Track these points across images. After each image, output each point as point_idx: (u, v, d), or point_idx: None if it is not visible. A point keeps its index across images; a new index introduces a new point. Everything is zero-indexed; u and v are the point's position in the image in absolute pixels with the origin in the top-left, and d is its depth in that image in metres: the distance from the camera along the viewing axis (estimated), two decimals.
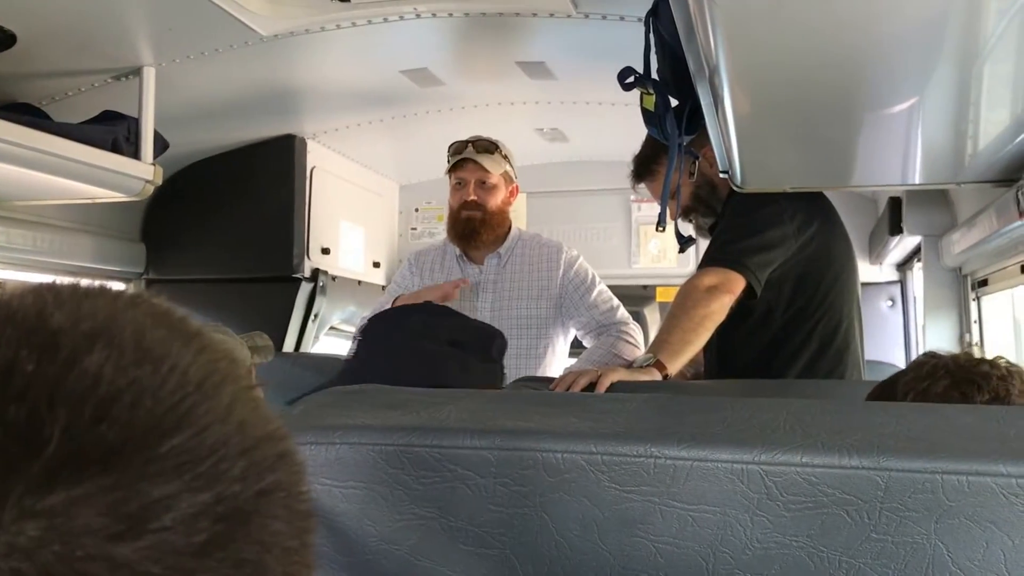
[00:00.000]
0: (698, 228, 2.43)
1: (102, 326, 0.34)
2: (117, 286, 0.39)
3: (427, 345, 1.45)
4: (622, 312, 2.55)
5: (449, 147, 2.62)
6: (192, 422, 0.33)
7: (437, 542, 0.71)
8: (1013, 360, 2.47)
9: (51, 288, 0.36)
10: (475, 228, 2.57)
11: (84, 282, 0.38)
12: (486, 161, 2.54)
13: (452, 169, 2.59)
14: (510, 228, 2.68)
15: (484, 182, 2.56)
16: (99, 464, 0.30)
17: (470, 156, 2.55)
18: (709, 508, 0.65)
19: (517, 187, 2.66)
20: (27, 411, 0.30)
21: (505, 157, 2.59)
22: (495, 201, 2.58)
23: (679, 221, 2.36)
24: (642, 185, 2.44)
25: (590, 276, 2.59)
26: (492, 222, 2.58)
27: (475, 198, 2.56)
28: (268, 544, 0.34)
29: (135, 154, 2.22)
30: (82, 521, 0.29)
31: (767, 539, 0.64)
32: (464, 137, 2.61)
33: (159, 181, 2.29)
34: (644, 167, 2.39)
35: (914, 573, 0.62)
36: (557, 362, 2.60)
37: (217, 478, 0.33)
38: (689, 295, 2.03)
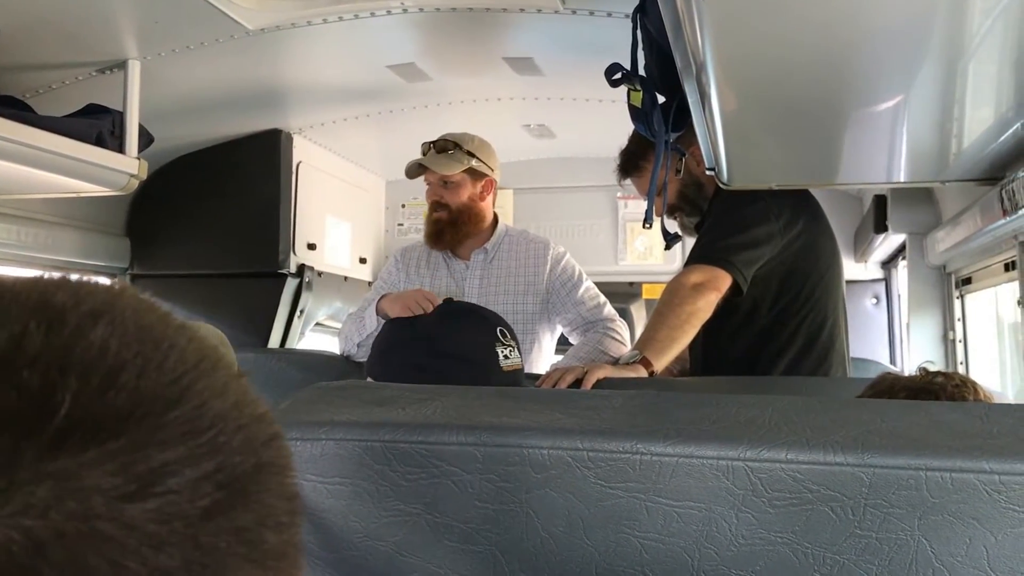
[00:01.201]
0: (683, 227, 2.43)
1: (103, 306, 0.36)
2: (104, 280, 0.40)
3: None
4: (608, 309, 2.55)
5: (421, 148, 2.63)
6: (193, 396, 0.35)
7: (423, 538, 0.71)
8: (996, 358, 2.49)
9: (46, 276, 0.38)
10: (441, 229, 2.60)
11: (73, 276, 0.39)
12: (439, 166, 2.55)
13: (415, 173, 2.61)
14: (496, 224, 2.68)
15: (446, 181, 2.58)
16: (109, 429, 0.32)
17: (424, 162, 2.56)
18: (694, 504, 0.66)
19: (492, 180, 2.65)
20: (39, 377, 0.31)
21: (470, 153, 2.58)
22: (459, 199, 2.59)
23: (665, 218, 2.37)
24: (628, 181, 2.44)
25: (577, 273, 2.59)
26: (459, 220, 2.59)
27: (438, 198, 2.59)
28: (264, 516, 0.36)
29: (120, 148, 2.21)
30: (93, 482, 0.31)
31: (752, 535, 0.65)
32: (452, 131, 2.62)
33: (144, 175, 2.27)
34: (630, 163, 2.39)
35: (898, 569, 0.62)
36: (543, 359, 2.61)
37: (218, 448, 0.35)
38: (676, 292, 2.04)
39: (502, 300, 2.55)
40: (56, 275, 0.38)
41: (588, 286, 2.58)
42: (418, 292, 2.24)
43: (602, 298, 2.57)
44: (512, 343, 1.66)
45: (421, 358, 1.62)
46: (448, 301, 1.81)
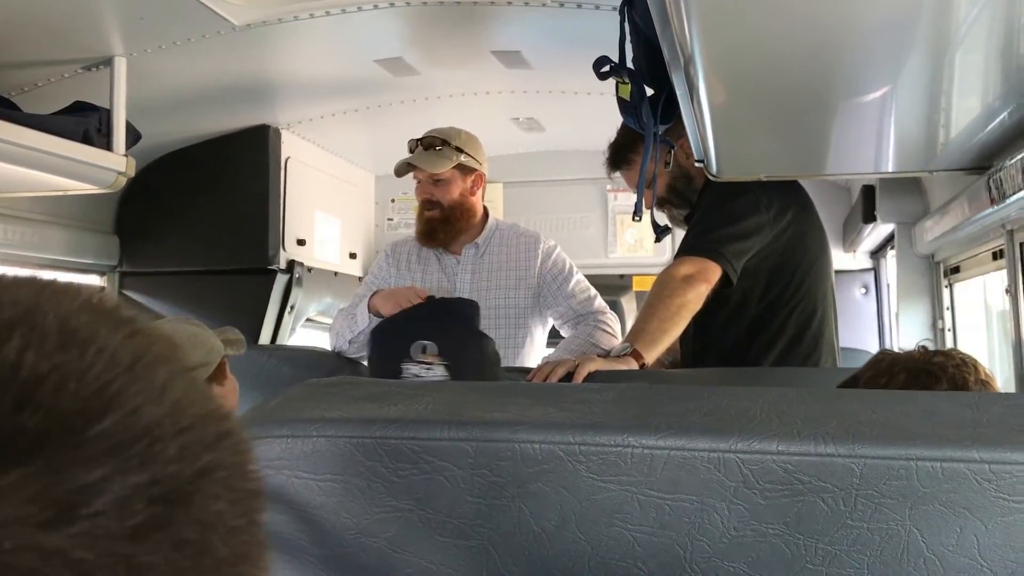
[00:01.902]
0: (673, 219, 2.43)
1: (23, 313, 0.33)
2: (48, 276, 0.38)
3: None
4: (599, 302, 2.56)
5: (408, 145, 2.61)
6: (121, 404, 0.32)
7: (415, 534, 0.71)
8: (985, 347, 2.50)
9: None
10: (435, 228, 2.59)
11: (10, 272, 0.37)
12: (429, 163, 2.54)
13: (404, 171, 2.59)
14: (486, 218, 2.67)
15: (436, 178, 2.56)
16: (23, 452, 0.29)
17: (412, 161, 2.55)
18: (686, 497, 0.66)
19: (482, 175, 2.64)
20: None
21: (459, 149, 2.57)
22: (450, 195, 2.58)
23: (655, 211, 2.37)
24: (617, 174, 2.45)
25: (567, 266, 2.60)
26: (452, 217, 2.59)
27: (428, 196, 2.57)
28: (210, 524, 0.33)
29: (107, 145, 2.20)
30: (8, 511, 0.28)
31: (744, 527, 0.65)
32: (439, 126, 2.61)
33: (132, 173, 2.26)
34: (620, 156, 2.39)
35: (889, 559, 0.63)
36: (535, 352, 2.61)
37: (151, 459, 0.32)
38: (666, 284, 2.04)
39: (493, 294, 2.55)
40: None
41: (579, 279, 2.58)
42: (409, 289, 2.24)
43: (593, 291, 2.57)
44: (439, 361, 1.55)
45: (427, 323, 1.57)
46: (431, 299, 1.77)
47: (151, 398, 0.34)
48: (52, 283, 0.37)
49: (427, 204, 2.58)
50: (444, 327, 1.59)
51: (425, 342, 1.52)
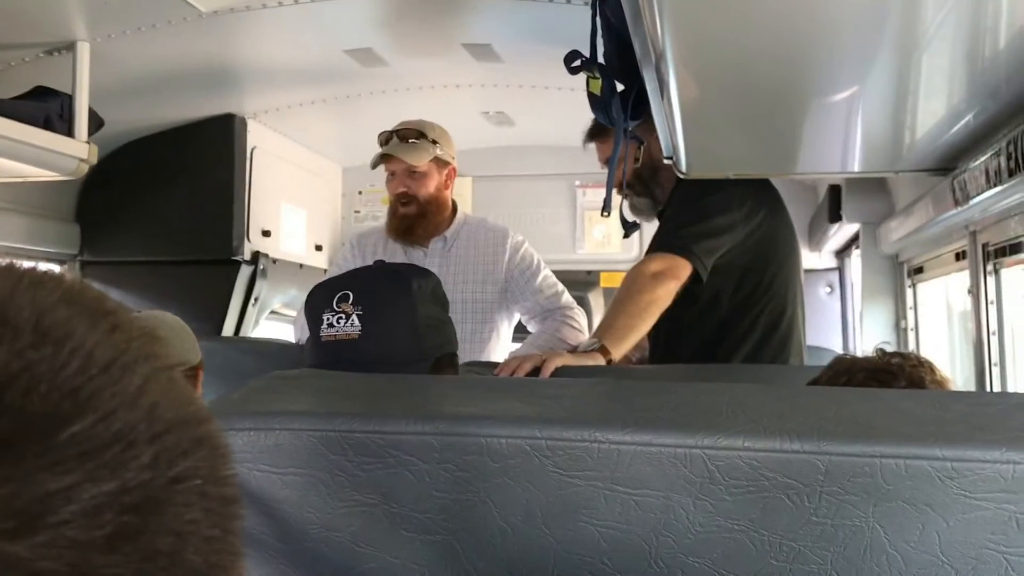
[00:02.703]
0: (633, 208, 2.42)
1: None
2: (27, 265, 0.36)
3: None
4: (567, 297, 2.55)
5: (378, 137, 2.56)
6: (95, 407, 0.31)
7: (380, 528, 0.70)
8: (946, 347, 2.53)
9: None
10: (411, 224, 2.54)
11: None
12: (409, 155, 2.49)
13: (380, 162, 2.54)
14: (455, 211, 2.66)
15: (413, 171, 2.51)
16: None
17: (391, 152, 2.49)
18: (652, 492, 0.66)
19: (455, 169, 2.62)
20: None
21: (434, 142, 2.53)
22: (427, 189, 2.54)
23: (624, 204, 2.37)
24: (592, 145, 2.42)
25: (535, 261, 2.59)
26: (428, 211, 2.55)
27: (405, 189, 2.52)
28: (184, 534, 0.32)
29: (69, 132, 2.16)
30: None
31: (709, 523, 0.65)
32: (408, 118, 2.58)
33: (94, 160, 2.22)
34: (599, 127, 2.37)
35: (853, 555, 0.63)
36: (501, 347, 2.60)
37: (123, 466, 0.31)
38: (635, 280, 2.04)
39: (460, 288, 2.53)
40: None
41: (546, 275, 2.57)
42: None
43: (560, 287, 2.57)
44: (354, 309, 1.47)
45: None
46: (377, 262, 1.70)
47: (126, 401, 0.32)
48: (30, 272, 0.35)
49: (402, 198, 2.53)
50: (369, 279, 1.52)
51: (347, 291, 1.46)
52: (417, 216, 2.54)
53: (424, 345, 1.47)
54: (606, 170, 2.17)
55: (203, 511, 0.33)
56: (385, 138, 2.53)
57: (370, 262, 2.57)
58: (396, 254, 2.62)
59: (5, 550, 0.27)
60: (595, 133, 2.40)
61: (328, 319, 1.43)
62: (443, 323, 1.56)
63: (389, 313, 1.45)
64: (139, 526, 0.30)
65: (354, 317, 1.42)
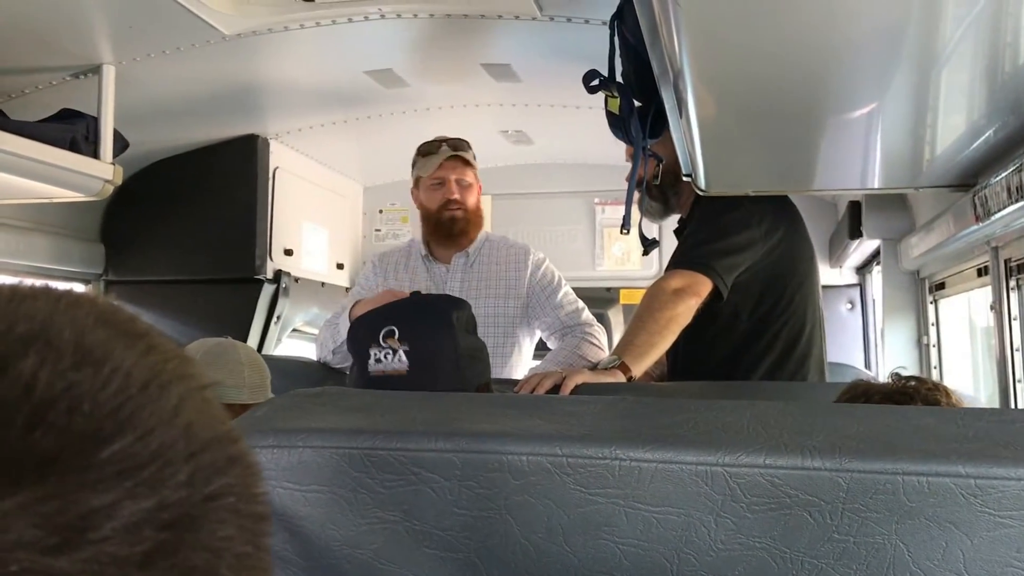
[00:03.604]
0: (644, 210, 2.41)
1: (39, 329, 0.32)
2: (62, 287, 0.37)
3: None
4: (587, 314, 2.55)
5: (420, 148, 2.59)
6: (134, 426, 0.32)
7: (401, 546, 0.71)
8: (969, 363, 2.51)
9: None
10: (463, 228, 2.57)
11: (27, 282, 0.36)
12: (466, 158, 2.54)
13: (428, 168, 2.56)
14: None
15: (463, 181, 2.55)
16: (33, 474, 0.29)
17: (452, 153, 2.52)
18: (673, 510, 0.66)
19: (481, 186, 2.66)
20: None
21: (472, 154, 2.59)
22: (473, 200, 2.59)
23: (642, 224, 2.38)
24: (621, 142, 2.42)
25: (556, 278, 2.60)
26: (474, 220, 2.60)
27: (458, 197, 2.55)
28: (218, 550, 0.33)
29: (94, 153, 2.19)
30: (15, 534, 0.28)
31: (731, 540, 0.65)
32: (428, 138, 2.61)
33: (119, 181, 2.25)
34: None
35: (875, 573, 0.63)
36: (523, 363, 2.60)
37: (161, 484, 0.32)
38: (656, 297, 2.04)
39: (482, 303, 2.54)
40: (5, 284, 0.35)
41: (567, 291, 2.58)
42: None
43: (581, 303, 2.57)
44: (400, 346, 1.52)
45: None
46: (414, 294, 1.74)
47: (163, 420, 0.33)
48: (67, 294, 0.36)
49: (452, 204, 2.55)
50: (412, 315, 1.56)
51: (392, 327, 1.49)
52: (465, 220, 2.57)
53: (466, 376, 1.52)
54: (622, 208, 2.18)
55: (237, 528, 0.34)
56: (434, 146, 2.56)
57: (392, 279, 2.62)
58: (418, 269, 2.64)
59: (51, 565, 0.28)
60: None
61: (375, 354, 1.47)
62: (480, 351, 1.59)
63: (434, 348, 1.49)
64: (176, 543, 0.31)
65: (401, 353, 1.47)
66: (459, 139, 2.58)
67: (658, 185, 2.33)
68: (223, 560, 0.33)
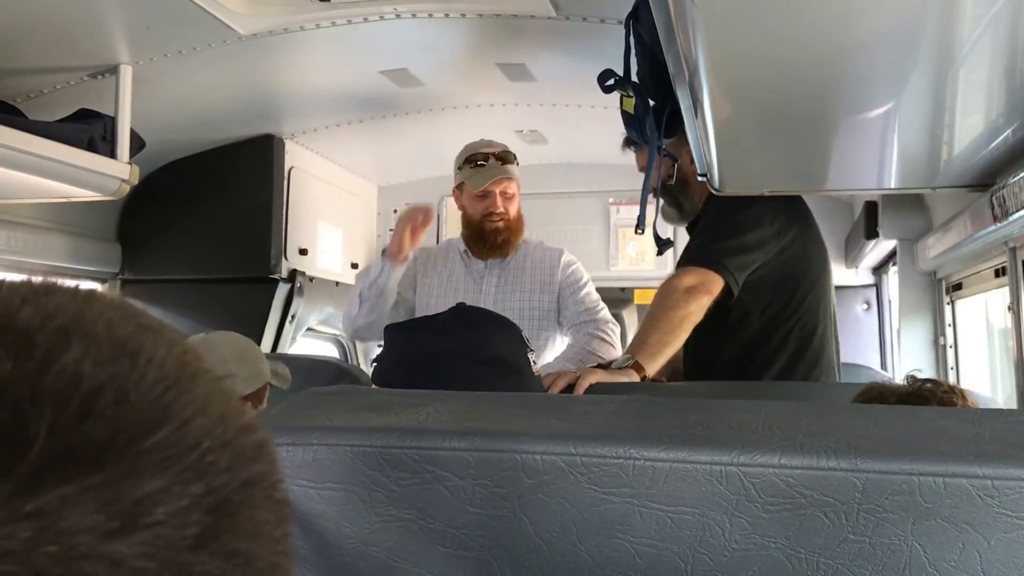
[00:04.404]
0: (666, 214, 2.41)
1: (73, 322, 0.33)
2: (70, 283, 0.37)
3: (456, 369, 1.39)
4: (604, 312, 2.60)
5: (468, 156, 2.63)
6: (174, 415, 0.33)
7: (415, 544, 0.71)
8: (986, 364, 2.49)
9: (9, 286, 0.35)
10: (505, 238, 2.64)
11: (36, 279, 0.36)
12: (513, 175, 2.61)
13: (475, 181, 2.60)
14: None
15: (507, 192, 2.62)
16: (89, 461, 0.29)
17: (501, 172, 2.58)
18: (688, 509, 0.66)
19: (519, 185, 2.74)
20: (10, 410, 0.29)
21: (517, 164, 2.65)
22: (515, 208, 2.66)
23: (657, 223, 2.37)
24: (630, 151, 2.42)
25: (583, 277, 2.68)
26: (515, 229, 2.67)
27: (502, 209, 2.62)
28: (255, 534, 0.34)
29: (111, 153, 2.20)
30: (75, 520, 0.28)
31: (745, 540, 0.65)
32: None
33: (135, 180, 2.26)
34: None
35: (891, 574, 0.62)
36: (555, 358, 2.63)
37: (205, 470, 0.32)
38: (668, 296, 2.04)
39: (517, 297, 2.63)
40: (18, 281, 0.35)
41: (589, 291, 2.65)
42: (405, 219, 2.49)
43: (601, 304, 2.63)
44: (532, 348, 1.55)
45: (468, 368, 1.46)
46: (461, 306, 1.69)
47: (199, 409, 0.34)
48: (83, 290, 0.37)
49: (495, 217, 2.63)
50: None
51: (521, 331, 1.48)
52: (508, 231, 2.65)
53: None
54: (636, 208, 2.19)
55: (267, 511, 0.35)
56: (480, 157, 2.60)
57: (431, 271, 2.68)
58: (456, 264, 2.71)
59: (112, 549, 0.29)
60: (632, 140, 2.40)
61: (532, 357, 1.47)
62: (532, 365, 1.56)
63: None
64: (221, 526, 0.32)
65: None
66: (505, 150, 2.63)
67: (670, 190, 2.32)
68: (259, 544, 0.34)
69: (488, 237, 2.64)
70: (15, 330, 0.32)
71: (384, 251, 2.57)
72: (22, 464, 0.28)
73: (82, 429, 0.30)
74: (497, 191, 2.60)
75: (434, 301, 2.62)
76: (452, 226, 3.79)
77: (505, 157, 2.61)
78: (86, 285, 0.38)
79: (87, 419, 0.30)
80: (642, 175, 2.31)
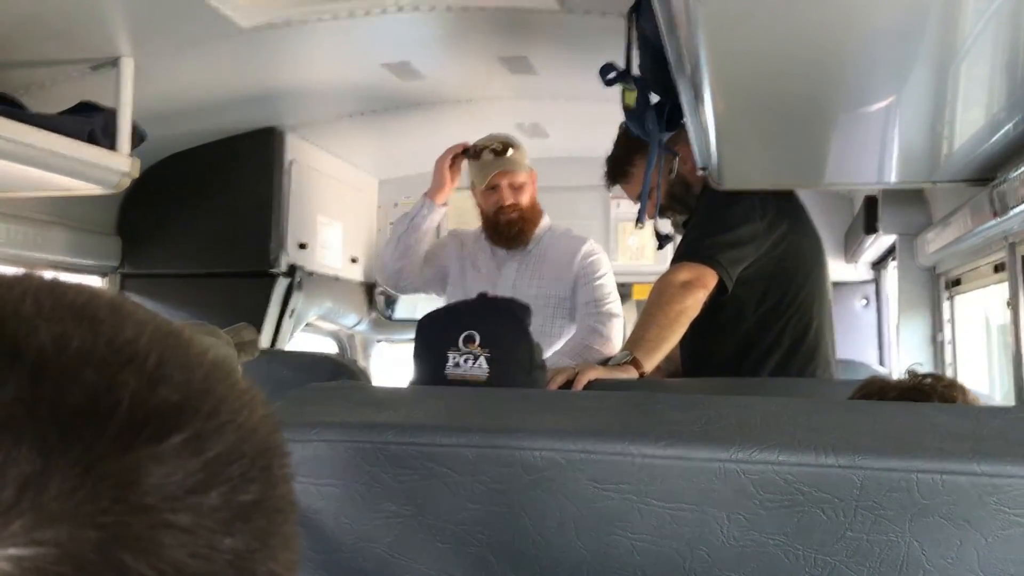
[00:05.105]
0: (675, 225, 2.44)
1: (115, 304, 0.36)
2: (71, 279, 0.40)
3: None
4: (611, 306, 2.61)
5: (468, 151, 2.69)
6: (218, 386, 0.36)
7: (415, 539, 0.71)
8: (984, 360, 2.50)
9: (32, 277, 0.37)
10: (520, 229, 2.69)
11: (47, 274, 0.38)
12: (518, 167, 2.65)
13: (479, 176, 2.66)
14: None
15: (515, 183, 2.65)
16: (170, 423, 0.32)
17: (498, 165, 2.62)
18: (686, 506, 0.66)
19: (535, 171, 2.76)
20: (96, 374, 0.32)
21: (519, 149, 2.68)
22: (527, 198, 2.70)
23: (657, 219, 2.37)
24: (617, 186, 2.46)
25: (601, 270, 2.71)
26: (531, 218, 2.71)
27: (514, 202, 2.66)
28: (284, 501, 0.37)
29: (112, 146, 2.19)
30: (164, 475, 0.31)
31: (744, 537, 0.65)
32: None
33: (136, 174, 2.26)
34: (618, 168, 2.40)
35: (889, 571, 0.63)
36: (552, 352, 2.65)
37: (251, 433, 0.36)
38: (664, 291, 2.04)
39: (536, 284, 2.67)
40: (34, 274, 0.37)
41: (604, 283, 2.68)
42: (445, 155, 2.63)
43: (612, 297, 2.64)
44: (481, 352, 1.53)
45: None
46: (482, 295, 1.74)
47: (229, 386, 0.37)
48: (91, 287, 0.39)
49: (509, 209, 2.68)
50: (492, 320, 1.57)
51: (473, 331, 1.51)
52: (522, 221, 2.70)
53: (536, 384, 1.54)
54: (638, 204, 2.20)
55: (286, 481, 0.38)
56: (483, 154, 2.65)
57: (465, 257, 2.72)
58: (483, 251, 2.79)
59: (198, 501, 0.32)
60: (615, 175, 2.42)
61: (455, 358, 1.48)
62: (541, 357, 1.61)
63: (514, 358, 1.51)
64: (265, 492, 0.35)
65: (482, 360, 1.49)
66: (506, 140, 2.67)
67: (674, 197, 2.33)
68: (285, 510, 0.37)
69: (503, 230, 2.69)
70: (75, 306, 0.34)
71: (426, 193, 2.68)
72: (112, 425, 0.31)
73: (159, 395, 0.33)
74: (504, 183, 2.64)
75: (467, 281, 2.73)
76: (453, 222, 3.79)
77: (503, 149, 2.64)
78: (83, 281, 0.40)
79: (160, 386, 0.33)
80: (633, 198, 2.34)
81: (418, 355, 1.55)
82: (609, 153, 2.43)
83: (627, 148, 2.31)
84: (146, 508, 0.30)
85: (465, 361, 1.48)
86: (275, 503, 0.36)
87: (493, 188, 2.65)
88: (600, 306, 2.60)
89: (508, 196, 2.66)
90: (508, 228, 2.69)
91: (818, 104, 1.51)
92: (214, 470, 0.33)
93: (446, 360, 1.48)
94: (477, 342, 1.48)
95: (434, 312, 1.63)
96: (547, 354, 2.50)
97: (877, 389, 1.25)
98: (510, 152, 2.64)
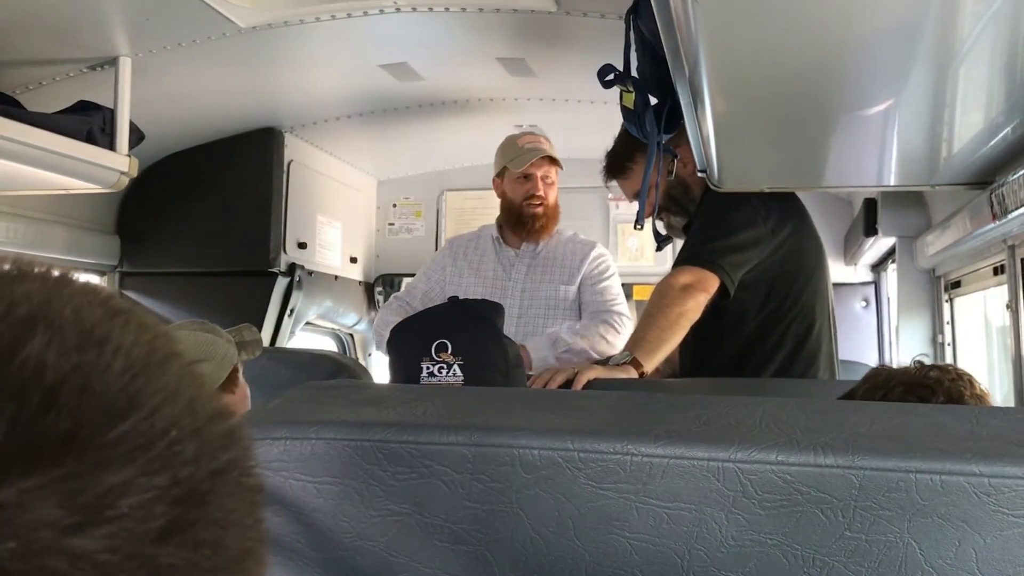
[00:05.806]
0: (670, 227, 2.43)
1: (39, 309, 0.32)
2: (44, 266, 0.36)
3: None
4: (621, 306, 2.63)
5: (510, 140, 2.73)
6: (141, 404, 0.32)
7: (412, 538, 0.71)
8: (984, 362, 2.50)
9: None
10: (543, 223, 2.71)
11: (8, 263, 0.35)
12: (555, 157, 2.70)
13: (518, 162, 2.67)
14: None
15: (547, 178, 2.70)
16: (51, 454, 0.29)
17: (544, 153, 2.66)
18: (684, 506, 0.66)
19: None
20: None
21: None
22: (554, 196, 2.74)
23: (656, 219, 2.37)
24: (614, 183, 2.46)
25: (609, 271, 2.72)
26: (552, 216, 2.75)
27: (542, 193, 2.69)
28: (224, 523, 0.33)
29: (110, 145, 2.19)
30: (37, 514, 0.28)
31: (742, 537, 0.65)
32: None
33: (135, 173, 2.26)
34: (617, 164, 2.40)
35: (887, 571, 0.62)
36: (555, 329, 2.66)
37: (171, 460, 0.32)
38: (665, 294, 2.04)
39: (544, 286, 2.68)
40: None
41: (611, 284, 2.69)
42: None
43: (621, 299, 2.65)
44: (454, 360, 1.54)
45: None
46: (452, 299, 1.75)
47: (168, 397, 0.33)
48: (55, 275, 0.36)
49: (536, 200, 2.70)
50: (462, 327, 1.58)
51: (444, 340, 1.51)
52: (545, 216, 2.72)
53: (514, 383, 1.55)
54: (635, 204, 2.20)
55: (239, 501, 0.35)
56: (525, 141, 2.69)
57: (461, 261, 2.73)
58: (487, 252, 2.79)
59: (74, 544, 0.28)
60: (614, 171, 2.42)
61: (428, 368, 1.49)
62: (518, 356, 1.62)
63: (486, 359, 1.52)
64: (187, 518, 0.32)
65: (456, 367, 1.49)
66: (546, 138, 2.74)
67: (673, 199, 2.33)
68: (229, 532, 0.33)
69: (527, 221, 2.71)
70: None
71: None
72: None
73: (44, 422, 0.29)
74: (539, 175, 2.67)
75: (464, 288, 2.69)
76: (451, 222, 3.79)
77: (547, 144, 2.70)
78: (47, 270, 0.37)
79: (50, 411, 0.29)
80: (629, 196, 2.34)
81: (392, 366, 1.56)
82: (608, 149, 2.43)
83: (627, 145, 2.31)
84: (14, 551, 0.27)
85: (440, 370, 1.49)
86: (198, 539, 0.32)
87: (527, 177, 2.68)
88: (613, 304, 2.63)
89: (541, 187, 2.69)
90: (532, 220, 2.70)
91: (817, 106, 1.51)
92: (99, 506, 0.29)
93: (420, 371, 1.49)
94: (449, 350, 1.49)
95: (404, 322, 1.63)
96: (558, 352, 2.51)
97: (883, 381, 1.23)
98: (553, 150, 2.69)
